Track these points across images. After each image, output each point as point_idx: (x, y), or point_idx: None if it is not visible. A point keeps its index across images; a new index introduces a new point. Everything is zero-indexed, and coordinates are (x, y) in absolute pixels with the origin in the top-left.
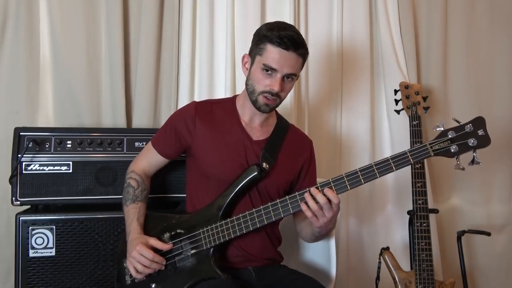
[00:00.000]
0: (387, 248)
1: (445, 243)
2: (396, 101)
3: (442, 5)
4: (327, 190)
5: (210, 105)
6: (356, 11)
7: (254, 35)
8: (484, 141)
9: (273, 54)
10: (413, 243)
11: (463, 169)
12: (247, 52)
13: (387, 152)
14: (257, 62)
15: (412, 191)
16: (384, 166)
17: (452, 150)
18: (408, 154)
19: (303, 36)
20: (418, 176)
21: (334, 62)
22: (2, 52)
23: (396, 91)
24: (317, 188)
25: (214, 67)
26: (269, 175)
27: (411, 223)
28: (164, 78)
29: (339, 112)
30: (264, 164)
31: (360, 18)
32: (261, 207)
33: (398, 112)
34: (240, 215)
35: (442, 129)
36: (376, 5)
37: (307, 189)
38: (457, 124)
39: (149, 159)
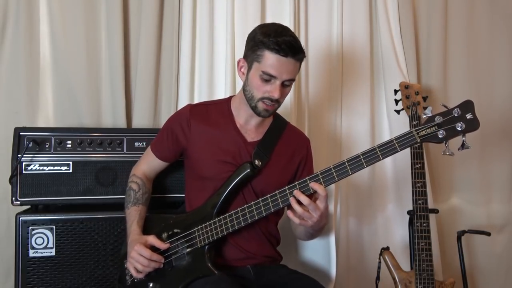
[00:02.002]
0: (387, 248)
1: (445, 243)
2: (396, 101)
3: (442, 5)
4: (313, 184)
5: (205, 107)
6: (356, 11)
7: (249, 38)
8: (473, 124)
9: (271, 61)
10: (413, 243)
11: (452, 154)
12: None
13: None
14: (255, 69)
15: (412, 191)
16: (371, 155)
17: (440, 136)
18: (395, 141)
19: (303, 37)
20: (418, 176)
21: (334, 62)
22: (2, 52)
23: (396, 91)
24: (299, 189)
25: (214, 67)
26: (262, 173)
27: (411, 223)
28: (164, 78)
29: (339, 112)
30: (257, 161)
31: (360, 18)
32: (252, 203)
33: (398, 112)
34: (232, 211)
35: (430, 114)
36: (376, 5)
37: (296, 183)
38: (445, 109)
39: (149, 163)
